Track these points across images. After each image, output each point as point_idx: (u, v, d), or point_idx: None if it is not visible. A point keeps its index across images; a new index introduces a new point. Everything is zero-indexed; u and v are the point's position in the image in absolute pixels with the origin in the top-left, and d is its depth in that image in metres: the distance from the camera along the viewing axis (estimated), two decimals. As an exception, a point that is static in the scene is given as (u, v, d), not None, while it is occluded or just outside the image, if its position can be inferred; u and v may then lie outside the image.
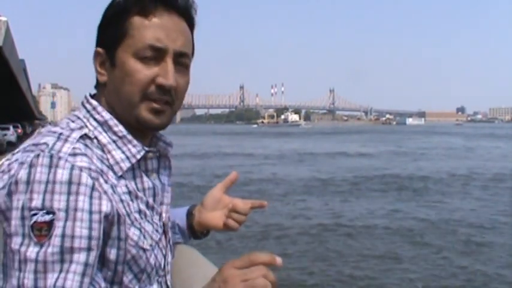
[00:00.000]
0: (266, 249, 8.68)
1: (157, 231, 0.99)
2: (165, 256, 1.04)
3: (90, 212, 0.82)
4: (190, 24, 1.00)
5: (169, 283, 1.07)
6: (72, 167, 0.82)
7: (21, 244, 0.79)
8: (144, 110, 0.94)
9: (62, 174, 0.81)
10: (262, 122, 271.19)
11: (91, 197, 0.82)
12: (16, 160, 0.84)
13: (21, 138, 33.00)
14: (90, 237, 0.82)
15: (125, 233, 0.89)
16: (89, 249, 0.82)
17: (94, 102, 0.97)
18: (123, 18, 0.94)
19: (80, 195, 0.81)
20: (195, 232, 1.30)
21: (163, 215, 1.05)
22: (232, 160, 27.34)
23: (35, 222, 0.79)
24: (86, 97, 1.00)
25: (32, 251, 0.79)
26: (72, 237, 0.80)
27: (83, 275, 0.81)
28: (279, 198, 14.15)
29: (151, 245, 0.96)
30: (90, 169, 0.84)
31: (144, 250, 0.94)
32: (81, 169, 0.83)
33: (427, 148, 39.15)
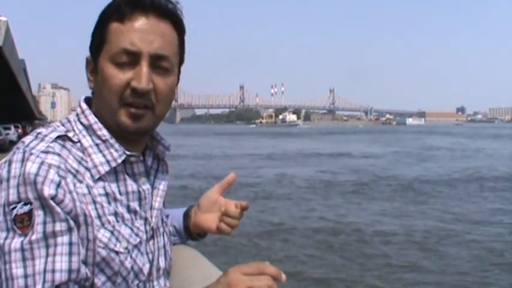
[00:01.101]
0: (272, 251, 8.58)
1: (137, 235, 0.98)
2: (151, 261, 1.03)
3: (56, 201, 0.85)
4: (178, 27, 1.00)
5: None
6: (42, 163, 0.86)
7: (6, 238, 0.82)
8: (123, 115, 0.95)
9: (31, 167, 0.84)
10: (261, 122, 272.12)
11: (56, 191, 0.85)
12: (5, 160, 0.89)
13: (21, 138, 33.87)
14: (67, 219, 0.85)
15: (93, 234, 0.90)
16: (69, 229, 0.85)
17: (84, 106, 1.00)
18: (104, 26, 0.96)
19: (45, 186, 0.84)
20: (191, 234, 1.30)
21: (153, 219, 1.04)
22: (234, 161, 27.20)
23: (15, 215, 0.82)
24: (79, 101, 1.03)
25: (17, 242, 0.81)
26: (53, 222, 0.84)
27: (70, 254, 0.84)
28: (284, 200, 13.96)
29: (126, 248, 0.95)
30: (59, 167, 0.87)
31: (117, 253, 0.94)
32: (50, 166, 0.86)
33: (432, 148, 38.90)
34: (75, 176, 0.90)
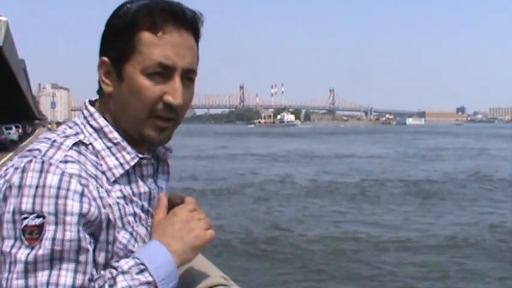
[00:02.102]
0: (282, 258, 8.18)
1: (151, 234, 1.01)
2: None
3: (80, 215, 0.84)
4: (197, 36, 1.01)
5: None
6: (63, 173, 0.85)
7: (12, 246, 0.82)
8: (149, 128, 0.96)
9: (52, 179, 0.84)
10: (260, 122, 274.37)
11: (80, 202, 0.85)
12: (12, 165, 0.88)
13: (21, 138, 34.33)
14: (79, 239, 0.84)
15: (114, 236, 0.92)
16: (78, 250, 0.84)
17: (92, 109, 1.00)
18: (132, 33, 0.93)
19: (68, 200, 0.84)
20: None
21: None
22: (236, 162, 26.98)
23: (26, 225, 0.82)
24: (85, 103, 1.02)
25: (22, 253, 0.81)
26: (63, 240, 0.83)
27: (75, 271, 0.84)
28: (290, 203, 13.64)
29: None
30: (80, 176, 0.87)
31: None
32: (71, 176, 0.85)
33: (437, 149, 38.54)
34: (96, 180, 0.91)
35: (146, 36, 0.93)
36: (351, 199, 14.44)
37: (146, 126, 0.96)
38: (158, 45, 0.93)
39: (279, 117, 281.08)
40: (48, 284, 0.81)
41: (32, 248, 0.81)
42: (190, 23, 0.97)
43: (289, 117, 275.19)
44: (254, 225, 10.48)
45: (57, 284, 0.82)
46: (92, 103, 1.02)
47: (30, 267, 0.81)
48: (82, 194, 0.86)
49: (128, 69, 0.94)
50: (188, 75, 0.97)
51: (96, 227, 0.89)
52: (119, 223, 0.93)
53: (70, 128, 0.97)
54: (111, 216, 0.91)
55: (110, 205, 0.91)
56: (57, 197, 0.83)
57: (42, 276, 0.81)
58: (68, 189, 0.84)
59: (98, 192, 0.90)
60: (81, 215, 0.85)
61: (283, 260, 8.22)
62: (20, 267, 0.81)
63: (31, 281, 0.81)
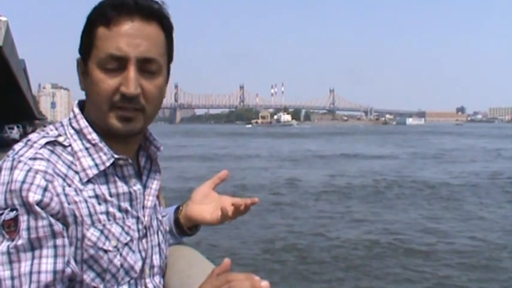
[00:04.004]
0: (301, 270, 7.90)
1: (127, 233, 1.01)
2: (144, 259, 1.05)
3: (42, 206, 0.88)
4: (165, 26, 1.00)
5: (150, 285, 1.07)
6: (29, 169, 0.89)
7: None
8: (113, 118, 0.97)
9: (18, 174, 0.88)
10: (257, 122, 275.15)
11: (42, 195, 0.88)
12: None
13: (22, 136, 34.66)
14: (51, 224, 0.89)
15: (82, 233, 0.93)
16: (54, 233, 0.89)
17: (76, 110, 1.03)
18: (91, 31, 0.97)
19: (30, 192, 0.87)
20: (181, 226, 1.31)
21: (145, 218, 1.06)
22: (239, 162, 26.70)
23: (3, 220, 0.86)
24: (72, 105, 1.06)
25: (4, 246, 0.86)
26: (36, 227, 0.87)
27: (55, 256, 0.88)
28: (303, 208, 13.25)
29: (116, 247, 0.98)
30: (46, 172, 0.90)
31: (106, 251, 0.96)
32: (36, 172, 0.89)
33: (445, 150, 38.08)
34: (64, 179, 0.93)
35: (100, 31, 0.95)
36: (369, 202, 14.08)
37: (109, 117, 0.97)
38: (110, 38, 0.95)
39: (275, 117, 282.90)
40: (31, 272, 0.85)
41: (13, 240, 0.86)
42: (149, 11, 0.97)
43: (286, 117, 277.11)
44: (273, 233, 10.07)
45: (39, 272, 0.86)
46: (83, 104, 1.05)
47: (13, 258, 0.85)
48: (45, 189, 0.89)
49: (89, 65, 0.97)
50: (147, 66, 0.97)
51: (61, 222, 0.91)
52: (87, 220, 0.94)
53: (56, 129, 1.01)
54: (77, 213, 0.92)
55: (76, 202, 0.93)
56: (21, 190, 0.87)
57: (25, 266, 0.85)
58: (31, 184, 0.88)
59: (64, 189, 0.92)
60: (43, 206, 0.88)
61: (308, 268, 7.91)
62: (2, 258, 0.85)
63: (15, 272, 0.85)
